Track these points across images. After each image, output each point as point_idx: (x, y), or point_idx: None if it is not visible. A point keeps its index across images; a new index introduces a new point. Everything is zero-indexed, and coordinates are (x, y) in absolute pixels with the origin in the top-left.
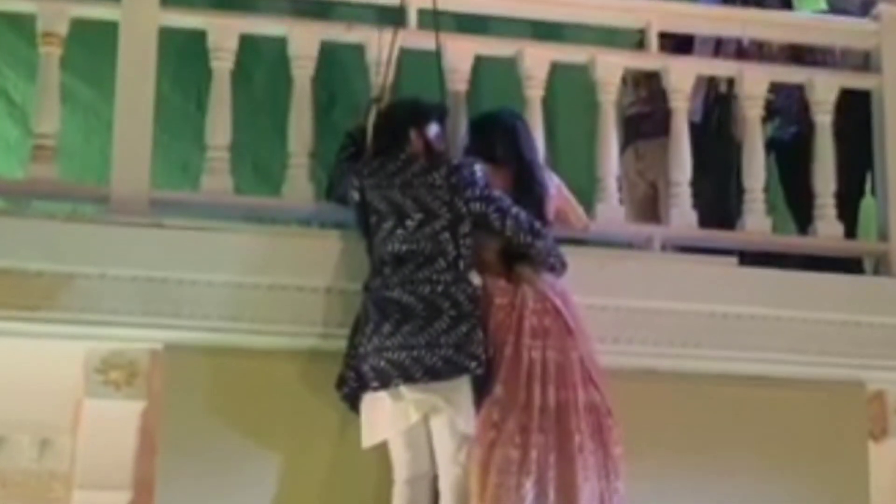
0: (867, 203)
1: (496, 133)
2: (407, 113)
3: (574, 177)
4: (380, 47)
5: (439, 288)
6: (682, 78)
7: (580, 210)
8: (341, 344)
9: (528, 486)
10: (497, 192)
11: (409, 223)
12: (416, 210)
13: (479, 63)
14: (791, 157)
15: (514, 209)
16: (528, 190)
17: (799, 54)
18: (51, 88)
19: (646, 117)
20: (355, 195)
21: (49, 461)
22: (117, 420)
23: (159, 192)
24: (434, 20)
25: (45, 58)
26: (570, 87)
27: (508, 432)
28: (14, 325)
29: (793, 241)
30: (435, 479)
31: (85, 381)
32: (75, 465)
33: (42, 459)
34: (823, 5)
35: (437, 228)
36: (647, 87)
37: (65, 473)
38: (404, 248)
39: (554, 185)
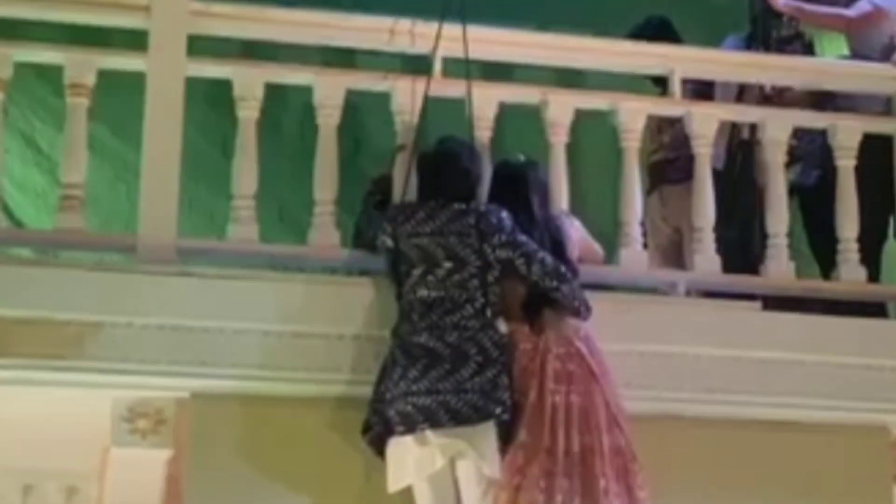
0: (890, 247)
1: (507, 182)
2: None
3: (598, 222)
4: (404, 95)
5: (466, 334)
6: (705, 124)
7: (597, 247)
8: (368, 391)
9: None
10: (523, 238)
11: (438, 271)
12: (446, 258)
13: (504, 109)
14: (814, 201)
15: (540, 254)
16: (540, 239)
17: (821, 99)
18: (78, 139)
19: (669, 163)
20: (388, 241)
21: None
22: (144, 468)
23: (186, 241)
24: (465, 68)
25: (72, 108)
26: (594, 132)
27: (533, 477)
28: (42, 374)
29: (816, 286)
30: None
31: (112, 429)
32: None
33: None
34: (845, 51)
35: (465, 276)
36: (670, 133)
37: None
38: (433, 294)
39: (574, 228)
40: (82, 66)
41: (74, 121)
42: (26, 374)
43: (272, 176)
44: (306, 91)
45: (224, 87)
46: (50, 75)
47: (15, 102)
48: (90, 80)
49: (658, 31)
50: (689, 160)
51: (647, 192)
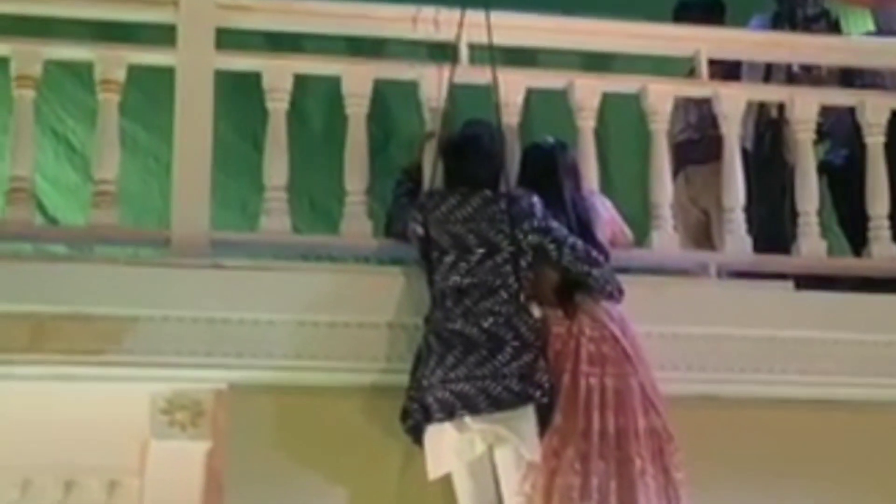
0: None
1: (537, 165)
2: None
3: (628, 205)
4: (431, 83)
5: (501, 319)
6: (733, 104)
7: (627, 230)
8: (403, 378)
9: None
10: (554, 223)
11: (471, 257)
12: (479, 244)
13: (531, 95)
14: (843, 179)
15: (571, 239)
16: (568, 223)
17: (849, 77)
18: (110, 134)
19: (695, 143)
20: (419, 229)
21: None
22: (184, 460)
23: (219, 234)
24: (490, 56)
25: (103, 104)
26: (621, 116)
27: (568, 459)
28: (79, 370)
29: (848, 264)
30: None
31: (151, 422)
32: None
33: (111, 502)
34: (871, 27)
35: (498, 261)
36: (697, 113)
37: None
38: (466, 280)
39: (606, 208)
40: (112, 62)
41: (106, 117)
42: (64, 370)
43: (303, 167)
44: (334, 81)
45: (253, 79)
46: (80, 72)
47: (46, 100)
48: (120, 75)
49: (710, 8)
50: (713, 140)
51: (673, 173)
